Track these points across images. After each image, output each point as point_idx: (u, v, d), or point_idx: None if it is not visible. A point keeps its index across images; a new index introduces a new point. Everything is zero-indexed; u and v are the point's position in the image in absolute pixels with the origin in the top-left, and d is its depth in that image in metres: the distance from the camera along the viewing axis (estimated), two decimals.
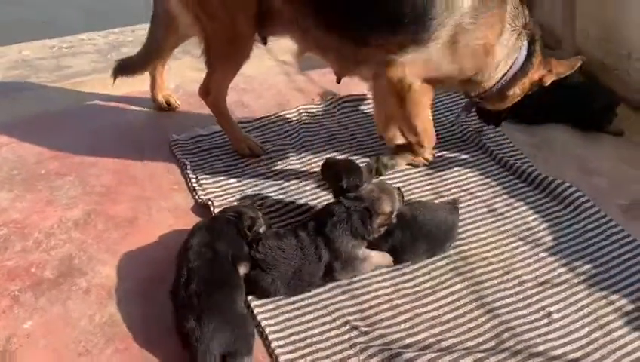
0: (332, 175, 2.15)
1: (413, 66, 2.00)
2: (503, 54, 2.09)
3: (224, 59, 2.31)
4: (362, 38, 2.05)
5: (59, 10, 4.32)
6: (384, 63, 2.02)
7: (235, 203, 2.22)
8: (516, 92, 2.23)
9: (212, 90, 2.38)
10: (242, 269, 1.86)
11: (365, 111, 2.76)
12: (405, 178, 2.38)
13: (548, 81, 2.25)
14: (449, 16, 1.94)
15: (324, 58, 2.26)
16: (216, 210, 2.16)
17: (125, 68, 2.57)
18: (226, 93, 2.42)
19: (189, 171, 2.38)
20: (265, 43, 2.36)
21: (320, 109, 2.76)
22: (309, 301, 1.88)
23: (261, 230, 1.97)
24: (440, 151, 2.51)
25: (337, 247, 1.89)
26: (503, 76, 2.15)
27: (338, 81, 2.38)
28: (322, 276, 1.91)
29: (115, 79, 2.58)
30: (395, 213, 1.95)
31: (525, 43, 2.13)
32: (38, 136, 2.59)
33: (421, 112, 2.12)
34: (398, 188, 2.07)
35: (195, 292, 1.72)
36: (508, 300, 1.90)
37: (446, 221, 2.04)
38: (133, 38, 3.36)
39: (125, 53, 3.21)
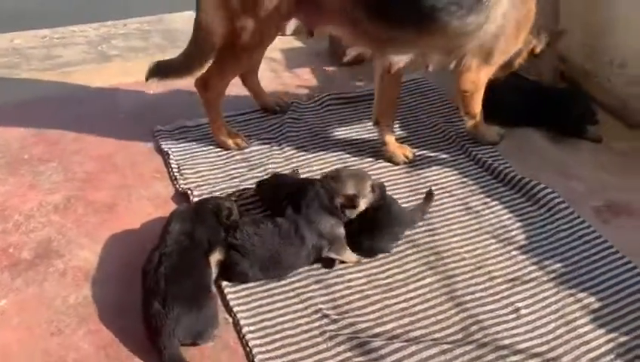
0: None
1: (478, 63, 2.27)
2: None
3: (237, 58, 2.32)
4: (423, 26, 2.08)
5: (55, 2, 4.33)
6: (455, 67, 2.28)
7: (215, 193, 2.25)
8: (517, 63, 2.51)
9: (212, 85, 2.38)
10: (217, 255, 1.89)
11: (347, 109, 2.80)
12: (385, 175, 2.41)
13: (538, 50, 2.51)
14: None
15: (373, 49, 2.27)
16: (195, 200, 2.19)
17: (162, 70, 2.44)
18: (225, 90, 2.43)
19: (171, 160, 2.41)
20: (312, 35, 2.38)
21: (304, 106, 2.79)
22: (282, 289, 1.91)
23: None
24: (420, 151, 2.55)
25: (318, 227, 1.95)
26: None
27: (389, 73, 2.34)
28: (314, 259, 1.97)
29: (147, 80, 2.45)
30: (360, 199, 2.00)
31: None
32: (24, 121, 2.62)
33: (479, 100, 2.45)
34: (380, 183, 2.13)
35: (163, 276, 1.74)
36: (477, 294, 1.93)
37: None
38: (125, 31, 3.40)
39: (115, 45, 3.27)
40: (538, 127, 2.71)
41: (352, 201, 2.03)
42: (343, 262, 2.00)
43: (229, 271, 1.91)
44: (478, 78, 2.35)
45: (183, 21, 3.42)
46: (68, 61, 3.12)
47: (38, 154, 2.45)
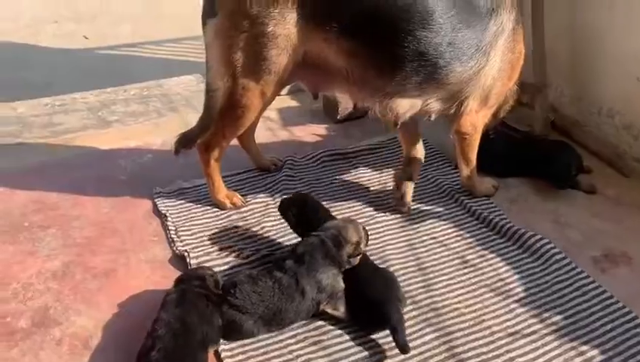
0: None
1: (478, 106, 2.35)
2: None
3: (236, 120, 2.34)
4: (434, 74, 2.20)
5: (60, 73, 4.49)
6: (454, 112, 2.35)
7: (212, 254, 2.26)
8: (505, 109, 2.62)
9: (213, 148, 2.42)
10: (212, 349, 1.87)
11: (342, 165, 2.85)
12: (380, 228, 2.43)
13: (524, 101, 2.75)
14: (500, 38, 2.25)
15: (379, 103, 2.31)
16: (192, 261, 2.21)
17: (187, 140, 2.51)
18: (224, 151, 2.47)
19: (168, 223, 2.43)
20: (316, 97, 2.54)
21: (299, 162, 2.84)
22: (280, 351, 1.90)
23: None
24: (415, 204, 2.57)
25: (320, 279, 1.95)
26: None
27: (395, 125, 2.44)
28: (313, 312, 1.97)
29: (177, 152, 2.52)
30: (362, 245, 2.02)
31: None
32: (25, 188, 2.66)
33: (476, 145, 2.50)
34: (364, 228, 2.13)
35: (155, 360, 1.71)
36: (478, 351, 1.91)
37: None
38: (125, 96, 3.50)
39: (115, 110, 3.36)
40: (531, 178, 2.74)
41: (357, 248, 2.04)
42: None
43: (235, 331, 1.90)
44: (477, 120, 2.40)
45: (182, 85, 3.56)
46: (69, 127, 3.20)
47: (38, 221, 2.48)
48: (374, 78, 2.23)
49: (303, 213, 2.21)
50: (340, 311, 1.99)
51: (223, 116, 2.35)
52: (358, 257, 2.05)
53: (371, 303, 1.94)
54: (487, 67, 2.26)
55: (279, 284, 1.93)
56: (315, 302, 1.95)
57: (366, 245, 2.11)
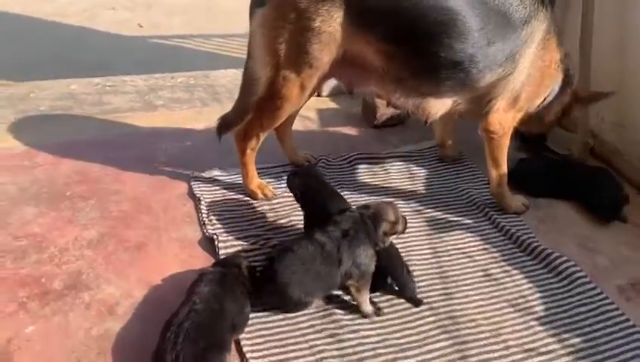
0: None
1: (506, 107, 2.41)
2: (553, 79, 2.50)
3: (275, 111, 2.39)
4: (466, 79, 2.31)
5: (113, 56, 4.67)
6: (484, 110, 2.42)
7: (240, 240, 2.33)
8: (551, 118, 2.66)
9: (250, 137, 2.49)
10: (237, 335, 1.93)
11: (375, 169, 2.89)
12: (406, 236, 2.43)
13: (576, 111, 2.71)
14: (529, 47, 2.33)
15: (414, 104, 2.42)
16: (220, 244, 2.28)
17: (226, 125, 2.59)
18: (260, 142, 2.53)
19: (201, 206, 2.51)
20: (352, 94, 2.63)
21: (334, 163, 2.89)
22: (296, 339, 1.94)
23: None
24: (444, 214, 2.59)
25: (358, 255, 2.03)
26: (543, 101, 2.53)
27: (426, 123, 2.59)
28: (340, 285, 2.06)
29: (220, 137, 2.61)
30: (398, 226, 2.10)
31: (562, 75, 2.52)
32: (70, 160, 2.79)
33: (505, 147, 2.53)
34: (403, 216, 2.19)
35: (185, 331, 1.75)
36: None
37: None
38: (172, 83, 3.62)
39: (162, 95, 3.48)
40: (562, 200, 2.72)
41: (393, 228, 2.11)
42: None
43: (279, 297, 1.99)
44: (505, 119, 2.44)
45: (227, 78, 3.66)
46: (116, 107, 3.34)
47: (79, 192, 2.59)
48: (409, 79, 2.33)
49: (307, 185, 2.31)
50: (362, 298, 2.04)
51: (261, 106, 2.41)
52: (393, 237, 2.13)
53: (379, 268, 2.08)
54: (515, 73, 2.35)
55: (322, 248, 2.01)
56: (346, 276, 2.02)
57: (404, 230, 2.17)
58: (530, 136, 2.83)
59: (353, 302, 2.08)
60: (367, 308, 2.05)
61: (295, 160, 2.86)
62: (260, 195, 2.60)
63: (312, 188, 2.31)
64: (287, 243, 2.11)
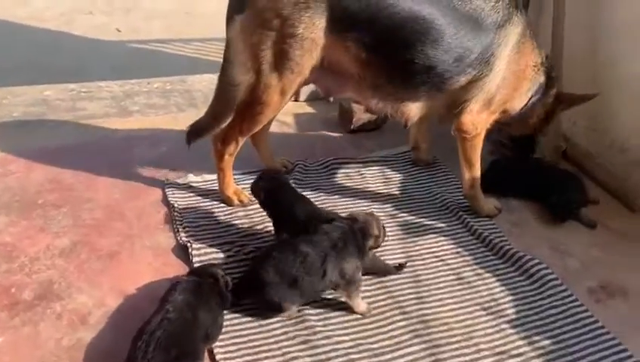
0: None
1: (480, 108, 2.46)
2: (531, 81, 2.55)
3: (255, 116, 2.41)
4: (441, 83, 2.37)
5: (89, 62, 4.63)
6: (457, 111, 2.46)
7: (214, 247, 2.32)
8: (534, 120, 2.71)
9: (228, 142, 2.48)
10: (210, 344, 1.92)
11: (351, 173, 2.91)
12: None
13: (559, 112, 2.75)
14: (503, 50, 2.38)
15: (390, 107, 2.48)
16: (194, 252, 2.27)
17: (197, 132, 2.60)
18: (239, 147, 2.53)
19: (175, 213, 2.50)
20: (328, 100, 2.71)
21: (309, 168, 2.90)
22: (270, 346, 1.95)
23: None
24: (417, 218, 2.61)
25: (344, 267, 2.05)
26: (526, 104, 2.59)
27: (405, 127, 2.68)
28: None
29: (189, 144, 2.61)
30: (380, 239, 2.16)
31: (543, 77, 2.58)
32: (43, 167, 2.76)
33: (478, 148, 2.57)
34: (383, 225, 2.24)
35: (156, 340, 1.74)
36: None
37: None
38: (148, 89, 3.60)
39: (137, 101, 3.46)
40: (534, 203, 2.76)
41: (377, 241, 2.16)
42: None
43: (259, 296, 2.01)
44: (478, 120, 2.49)
45: (204, 83, 3.64)
46: (91, 113, 3.31)
47: (51, 200, 2.57)
48: (386, 85, 2.38)
49: (270, 190, 2.34)
50: (355, 302, 2.08)
51: (242, 111, 2.41)
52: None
53: None
54: (490, 75, 2.40)
55: (304, 258, 2.02)
56: (332, 284, 2.05)
57: (384, 240, 2.21)
58: (518, 138, 2.88)
59: (323, 311, 2.09)
60: (361, 308, 2.08)
61: (272, 165, 2.86)
62: (236, 201, 2.60)
63: (276, 193, 2.33)
64: (270, 249, 2.12)
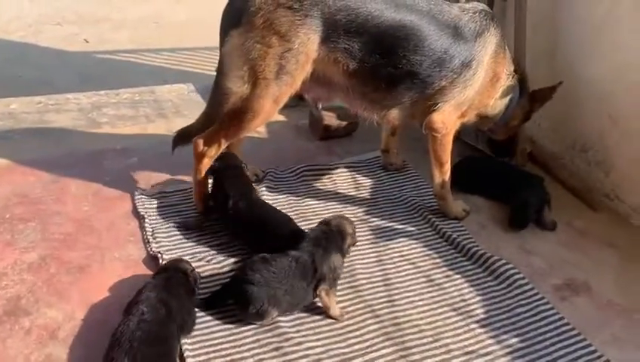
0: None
1: (452, 109, 2.54)
2: (504, 90, 2.67)
3: (244, 123, 2.45)
4: (424, 88, 2.49)
5: (57, 73, 4.58)
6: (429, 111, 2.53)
7: (186, 258, 2.31)
8: (514, 123, 2.84)
9: (212, 144, 2.50)
10: (184, 338, 1.95)
11: (322, 180, 2.94)
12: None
13: (537, 110, 2.85)
14: (482, 57, 2.51)
15: (376, 112, 2.60)
16: (164, 263, 2.26)
17: (184, 137, 2.63)
18: (218, 154, 2.55)
19: (146, 224, 2.50)
20: (316, 106, 2.77)
21: (282, 175, 2.92)
22: (242, 354, 1.95)
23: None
24: (388, 223, 2.65)
25: (333, 260, 2.14)
26: (506, 110, 2.73)
27: (393, 134, 2.93)
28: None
29: (174, 148, 2.64)
30: (355, 236, 2.29)
31: (517, 83, 2.73)
32: (9, 181, 2.73)
33: (448, 148, 2.64)
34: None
35: (138, 339, 1.77)
36: None
37: None
38: (117, 100, 3.59)
39: (106, 113, 3.44)
40: (503, 204, 2.82)
41: (353, 238, 2.28)
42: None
43: (245, 307, 2.03)
44: (449, 119, 2.56)
45: (173, 93, 3.64)
46: (59, 126, 3.28)
47: (19, 214, 2.54)
48: (372, 93, 2.49)
49: (219, 169, 2.52)
50: (331, 300, 2.12)
51: (231, 117, 2.44)
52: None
53: None
54: (471, 80, 2.52)
55: (296, 261, 2.09)
56: (320, 277, 2.10)
57: (356, 239, 2.33)
58: (499, 143, 2.99)
59: (295, 316, 2.10)
60: (336, 311, 2.12)
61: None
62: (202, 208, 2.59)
63: (223, 172, 2.52)
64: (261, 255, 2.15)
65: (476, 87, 2.54)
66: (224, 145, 2.53)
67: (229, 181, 2.49)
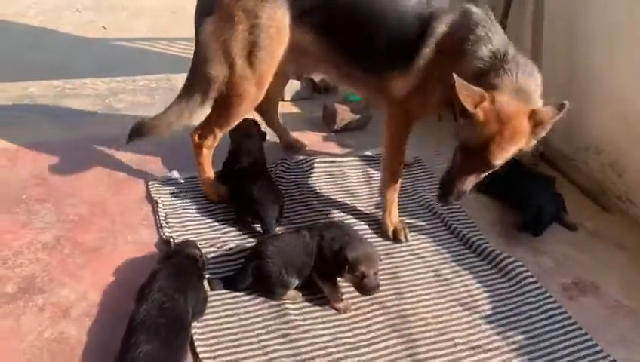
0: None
1: (404, 95, 2.35)
2: None
3: (232, 108, 2.47)
4: (377, 72, 2.38)
5: (75, 59, 4.61)
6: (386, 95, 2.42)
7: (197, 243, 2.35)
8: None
9: (206, 134, 2.54)
10: (196, 320, 1.99)
11: (334, 171, 2.95)
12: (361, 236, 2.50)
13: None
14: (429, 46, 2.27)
15: (354, 87, 2.67)
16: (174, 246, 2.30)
17: (143, 130, 2.57)
18: (217, 142, 2.59)
19: (159, 209, 2.53)
20: (299, 79, 2.75)
21: (294, 166, 2.94)
22: (250, 339, 1.99)
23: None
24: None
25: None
26: None
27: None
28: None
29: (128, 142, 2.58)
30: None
31: None
32: (27, 163, 2.77)
33: (402, 145, 2.52)
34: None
35: (153, 324, 1.80)
36: (438, 360, 1.99)
37: None
38: (133, 86, 3.62)
39: (122, 99, 3.47)
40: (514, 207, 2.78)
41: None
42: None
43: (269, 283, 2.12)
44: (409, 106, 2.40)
45: None
46: (76, 110, 3.32)
47: (35, 195, 2.58)
48: (343, 66, 2.44)
49: (240, 138, 2.66)
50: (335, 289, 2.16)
51: (218, 105, 2.46)
52: None
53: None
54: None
55: (303, 238, 2.18)
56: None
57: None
58: None
59: (303, 306, 2.13)
60: (340, 304, 2.14)
61: (285, 141, 3.11)
62: (217, 198, 2.62)
63: (242, 142, 2.67)
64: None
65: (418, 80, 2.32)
66: (220, 133, 2.57)
67: (241, 146, 2.64)
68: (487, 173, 2.23)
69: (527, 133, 2.10)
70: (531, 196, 2.70)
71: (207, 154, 2.58)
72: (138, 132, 2.55)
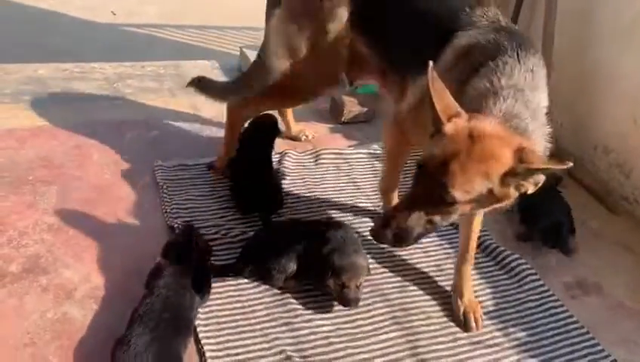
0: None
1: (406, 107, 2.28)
2: None
3: (285, 98, 2.60)
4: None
5: (83, 43, 4.62)
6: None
7: (202, 230, 2.33)
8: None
9: (249, 106, 2.62)
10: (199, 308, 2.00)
11: (340, 163, 2.95)
12: (366, 229, 2.48)
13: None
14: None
15: (396, 93, 2.43)
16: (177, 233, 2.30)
17: (202, 85, 2.63)
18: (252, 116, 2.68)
19: (164, 194, 2.53)
20: (352, 85, 2.66)
21: (299, 157, 2.93)
22: (252, 327, 2.00)
23: None
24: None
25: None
26: None
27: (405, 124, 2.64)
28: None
29: (188, 85, 2.64)
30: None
31: None
32: (34, 145, 2.77)
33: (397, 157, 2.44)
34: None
35: (158, 316, 1.82)
36: (439, 354, 2.00)
37: None
38: (141, 72, 3.61)
39: (130, 84, 3.46)
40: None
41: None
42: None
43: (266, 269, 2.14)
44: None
45: (197, 69, 3.65)
46: (83, 94, 3.32)
47: (41, 177, 2.58)
48: (391, 72, 2.36)
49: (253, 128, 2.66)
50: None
51: (272, 89, 2.48)
52: None
53: None
54: None
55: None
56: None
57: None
58: None
59: (305, 295, 2.14)
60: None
61: (290, 134, 3.09)
62: (220, 173, 2.67)
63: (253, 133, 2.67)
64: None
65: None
66: (260, 111, 2.66)
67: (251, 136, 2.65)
68: (440, 219, 1.68)
69: (503, 167, 1.56)
70: (543, 207, 2.54)
71: (239, 122, 2.65)
72: (198, 83, 2.62)
